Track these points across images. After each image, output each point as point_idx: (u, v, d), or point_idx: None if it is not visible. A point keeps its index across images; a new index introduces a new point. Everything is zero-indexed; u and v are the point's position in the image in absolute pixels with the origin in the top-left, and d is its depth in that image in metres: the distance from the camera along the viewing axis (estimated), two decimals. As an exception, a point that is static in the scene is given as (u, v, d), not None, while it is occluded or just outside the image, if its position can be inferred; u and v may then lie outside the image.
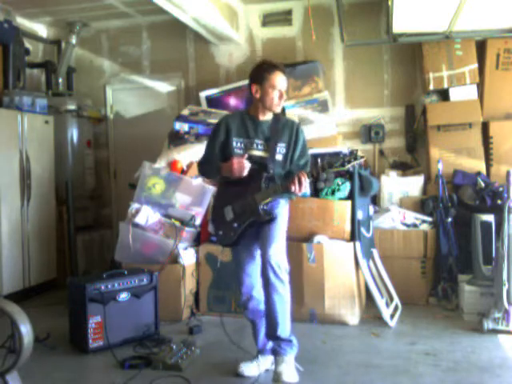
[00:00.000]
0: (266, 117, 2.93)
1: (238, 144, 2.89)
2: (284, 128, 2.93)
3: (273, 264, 2.76)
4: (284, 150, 2.90)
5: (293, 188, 2.68)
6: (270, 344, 3.03)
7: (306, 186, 2.72)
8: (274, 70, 2.86)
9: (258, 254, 2.97)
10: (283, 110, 4.88)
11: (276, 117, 2.96)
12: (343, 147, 4.60)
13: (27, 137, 4.87)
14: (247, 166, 2.79)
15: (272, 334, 2.87)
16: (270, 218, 2.81)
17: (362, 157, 2.62)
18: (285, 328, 2.84)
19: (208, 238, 4.33)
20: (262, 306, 2.99)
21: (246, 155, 2.84)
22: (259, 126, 2.90)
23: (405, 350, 3.40)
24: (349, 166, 2.61)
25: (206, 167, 3.01)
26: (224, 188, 3.02)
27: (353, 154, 2.62)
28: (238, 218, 2.86)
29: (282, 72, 2.89)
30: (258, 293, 2.98)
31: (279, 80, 2.86)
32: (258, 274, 2.98)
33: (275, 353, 2.87)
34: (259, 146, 2.89)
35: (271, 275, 2.77)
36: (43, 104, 5.17)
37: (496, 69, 4.83)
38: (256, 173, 2.81)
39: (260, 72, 2.88)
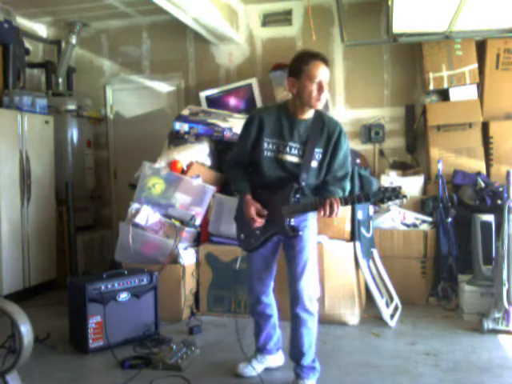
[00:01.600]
0: (306, 115, 2.60)
1: (270, 146, 2.59)
2: (323, 130, 2.59)
3: (304, 299, 2.66)
4: (320, 156, 2.58)
5: (322, 213, 2.43)
6: (273, 343, 3.03)
7: (338, 213, 2.42)
8: (312, 59, 2.51)
9: (275, 265, 2.88)
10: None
11: (317, 115, 2.62)
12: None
13: (27, 137, 4.87)
14: (260, 220, 2.59)
15: (296, 360, 2.82)
16: (295, 235, 2.59)
17: (404, 196, 2.33)
18: (310, 357, 2.79)
19: (208, 238, 4.33)
20: (270, 311, 2.96)
21: (266, 212, 2.59)
22: (296, 127, 2.58)
23: (405, 350, 3.40)
24: (389, 203, 2.40)
25: (232, 176, 2.78)
26: (251, 189, 2.73)
27: (395, 191, 2.33)
28: (261, 227, 2.66)
29: (323, 61, 2.53)
30: (268, 298, 2.93)
31: (319, 71, 2.49)
32: (271, 281, 2.92)
33: (297, 375, 2.81)
34: (293, 151, 2.57)
35: (301, 312, 2.69)
36: (43, 104, 5.17)
37: (496, 69, 4.83)
38: (287, 182, 2.56)
39: (297, 64, 2.55)
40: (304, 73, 2.52)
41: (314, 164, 2.59)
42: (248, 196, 2.66)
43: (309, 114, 2.62)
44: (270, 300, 2.96)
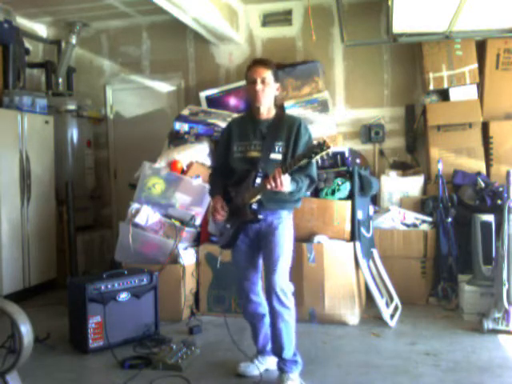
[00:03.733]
0: (266, 115, 2.85)
1: (239, 148, 2.84)
2: (283, 125, 2.81)
3: (278, 292, 2.74)
4: (283, 149, 2.76)
5: (268, 186, 2.54)
6: (269, 345, 3.04)
7: (284, 183, 2.53)
8: (250, 66, 2.83)
9: (259, 261, 2.95)
10: (283, 108, 4.88)
11: (278, 115, 2.88)
12: (343, 147, 4.59)
13: (27, 137, 4.87)
14: (222, 212, 2.81)
15: (278, 354, 2.88)
16: (255, 218, 2.72)
17: (328, 147, 2.39)
18: (290, 350, 2.85)
19: (208, 238, 4.33)
20: (262, 310, 2.99)
21: (227, 209, 2.82)
22: (258, 126, 2.83)
23: (405, 350, 3.40)
24: (317, 158, 2.42)
25: (210, 182, 3.06)
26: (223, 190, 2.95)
27: (320, 145, 2.41)
28: (230, 219, 2.84)
29: (258, 63, 2.81)
30: (257, 296, 2.97)
31: (253, 72, 2.78)
32: (258, 279, 2.97)
33: (280, 370, 2.87)
34: (257, 147, 2.80)
35: (277, 304, 2.76)
36: (43, 104, 5.17)
37: (496, 69, 4.83)
38: (248, 173, 2.75)
39: (245, 73, 2.87)
40: (247, 79, 2.84)
41: (277, 156, 2.76)
42: (218, 195, 2.90)
43: (269, 114, 2.86)
44: (260, 299, 2.99)
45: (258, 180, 2.71)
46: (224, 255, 4.08)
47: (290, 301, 2.80)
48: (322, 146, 2.41)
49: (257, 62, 2.84)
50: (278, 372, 2.90)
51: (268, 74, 2.78)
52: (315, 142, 2.45)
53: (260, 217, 2.74)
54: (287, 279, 2.82)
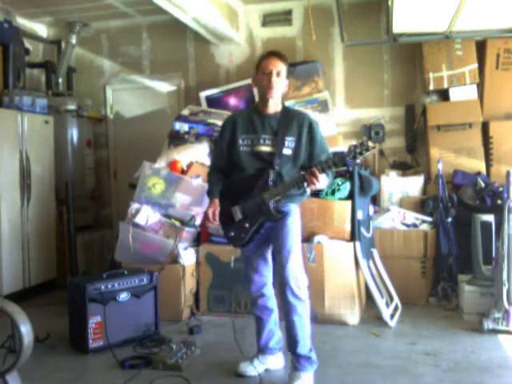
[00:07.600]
0: (273, 110, 2.79)
1: (245, 141, 2.77)
2: (293, 120, 2.76)
3: (292, 285, 2.70)
4: (293, 144, 2.73)
5: (305, 184, 2.56)
6: (274, 342, 3.04)
7: (321, 181, 2.54)
8: (265, 56, 2.77)
9: (269, 255, 2.94)
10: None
11: (285, 110, 2.82)
12: (343, 147, 4.59)
13: (27, 137, 4.87)
14: (214, 222, 2.81)
15: (291, 350, 2.84)
16: (280, 216, 2.70)
17: (373, 147, 2.45)
18: (304, 345, 2.80)
19: (208, 238, 4.33)
20: (271, 304, 2.99)
21: (217, 222, 2.81)
22: (267, 120, 2.77)
23: (405, 350, 3.40)
24: (361, 158, 2.41)
25: (208, 180, 2.99)
26: (229, 186, 2.88)
27: (364, 145, 2.42)
28: (248, 218, 2.76)
29: (274, 55, 2.75)
30: (268, 290, 2.97)
31: (268, 63, 2.72)
32: (269, 273, 2.96)
33: (294, 367, 2.84)
34: (266, 142, 2.74)
35: (290, 297, 2.72)
36: (43, 104, 5.17)
37: (496, 69, 4.83)
38: (263, 170, 2.71)
39: (256, 63, 2.81)
40: (259, 69, 2.77)
41: (288, 152, 2.73)
42: (215, 199, 2.87)
43: (276, 109, 2.80)
44: (270, 293, 2.99)
45: (275, 179, 2.68)
46: (224, 255, 4.10)
47: (303, 293, 2.76)
48: (367, 147, 2.42)
49: (273, 54, 2.76)
50: (291, 367, 2.86)
51: (283, 68, 2.75)
52: (355, 142, 2.45)
53: (286, 214, 2.74)
54: (301, 271, 2.78)
